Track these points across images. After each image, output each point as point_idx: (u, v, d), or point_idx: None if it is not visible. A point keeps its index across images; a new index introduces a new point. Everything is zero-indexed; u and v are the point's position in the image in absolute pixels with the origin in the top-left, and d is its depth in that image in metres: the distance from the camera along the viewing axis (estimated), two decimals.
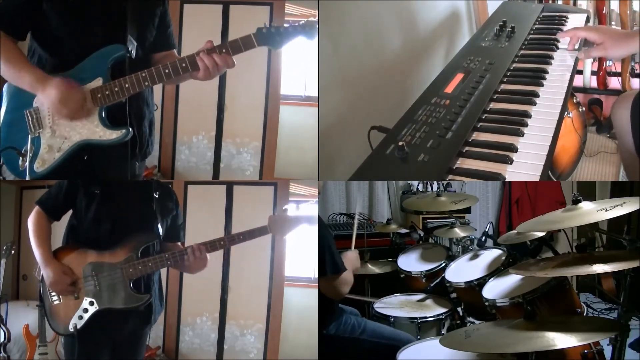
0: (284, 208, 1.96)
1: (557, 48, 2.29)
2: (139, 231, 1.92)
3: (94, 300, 1.87)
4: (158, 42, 1.93)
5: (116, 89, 1.74)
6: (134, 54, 1.80)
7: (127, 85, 1.74)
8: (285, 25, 1.76)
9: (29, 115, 1.75)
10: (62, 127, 1.76)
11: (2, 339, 2.57)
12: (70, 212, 1.99)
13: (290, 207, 3.12)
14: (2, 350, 2.56)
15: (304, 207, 3.12)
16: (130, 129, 1.78)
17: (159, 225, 1.96)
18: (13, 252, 2.75)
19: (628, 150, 2.04)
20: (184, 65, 1.76)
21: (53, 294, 1.89)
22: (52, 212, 1.98)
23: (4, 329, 2.58)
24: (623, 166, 2.43)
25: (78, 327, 1.86)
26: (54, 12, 1.74)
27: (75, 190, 1.94)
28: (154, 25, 1.90)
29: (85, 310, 1.87)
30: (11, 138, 1.77)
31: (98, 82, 1.75)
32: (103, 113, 1.76)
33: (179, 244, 2.09)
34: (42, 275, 1.90)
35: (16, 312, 2.77)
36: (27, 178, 1.75)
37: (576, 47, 2.22)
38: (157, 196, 1.96)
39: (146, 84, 1.76)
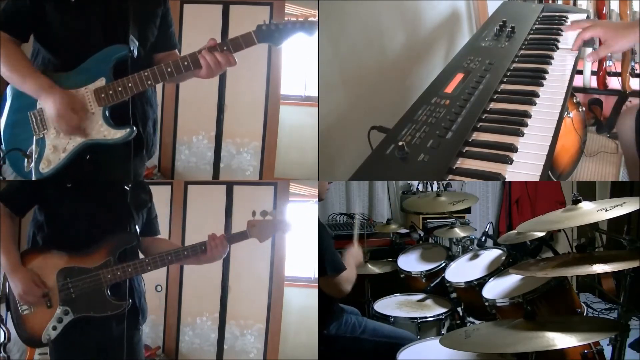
0: (263, 210, 1.87)
1: (557, 48, 2.29)
2: (116, 232, 1.80)
3: (68, 308, 1.74)
4: (160, 43, 1.92)
5: (119, 89, 1.74)
6: (136, 53, 1.80)
7: (130, 85, 1.74)
8: (285, 21, 1.76)
9: (32, 116, 1.75)
10: None
11: (2, 339, 2.56)
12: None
13: (290, 208, 3.12)
14: (2, 350, 2.56)
15: (303, 207, 3.12)
16: (134, 128, 1.76)
17: (138, 223, 1.86)
18: None
19: (631, 156, 2.05)
20: (185, 63, 1.76)
21: (22, 303, 1.74)
22: (15, 206, 1.81)
23: (4, 329, 2.58)
24: (629, 176, 2.42)
25: (52, 337, 1.73)
26: (56, 13, 1.74)
27: (41, 182, 1.76)
28: (156, 25, 1.90)
29: (60, 320, 1.74)
30: (15, 139, 1.76)
31: (101, 82, 1.75)
32: (107, 113, 1.76)
33: (159, 236, 2.01)
34: (8, 283, 1.75)
35: None
36: (33, 179, 1.74)
37: (581, 46, 2.21)
38: (128, 188, 1.85)
39: (149, 82, 1.76)
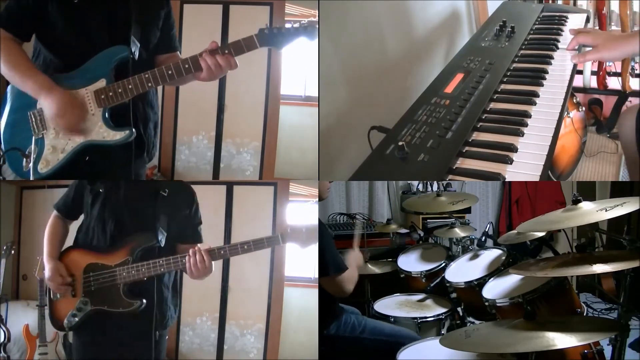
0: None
1: (557, 48, 2.29)
2: (138, 233, 1.89)
3: (88, 299, 1.88)
4: (161, 44, 1.92)
5: (120, 90, 1.74)
6: (137, 55, 1.80)
7: (130, 87, 1.74)
8: (287, 26, 1.76)
9: (32, 116, 1.75)
10: None
11: (2, 339, 2.57)
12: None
13: (290, 208, 3.12)
14: (2, 350, 2.56)
15: (304, 207, 3.12)
16: (133, 130, 1.77)
17: (164, 227, 1.90)
18: (13, 252, 2.75)
19: (631, 155, 2.04)
20: (187, 66, 1.76)
21: (51, 288, 1.93)
22: (64, 212, 2.02)
23: (4, 329, 2.58)
24: (629, 176, 2.43)
25: (72, 324, 1.88)
26: (58, 13, 1.75)
27: (82, 189, 1.95)
28: (158, 27, 1.90)
29: (80, 309, 1.88)
30: (14, 138, 1.77)
31: (102, 83, 1.75)
32: (106, 114, 1.76)
33: (198, 245, 1.97)
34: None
35: (16, 312, 2.77)
36: (31, 179, 1.75)
37: (575, 47, 2.23)
38: (165, 194, 1.93)
39: (149, 85, 1.76)
